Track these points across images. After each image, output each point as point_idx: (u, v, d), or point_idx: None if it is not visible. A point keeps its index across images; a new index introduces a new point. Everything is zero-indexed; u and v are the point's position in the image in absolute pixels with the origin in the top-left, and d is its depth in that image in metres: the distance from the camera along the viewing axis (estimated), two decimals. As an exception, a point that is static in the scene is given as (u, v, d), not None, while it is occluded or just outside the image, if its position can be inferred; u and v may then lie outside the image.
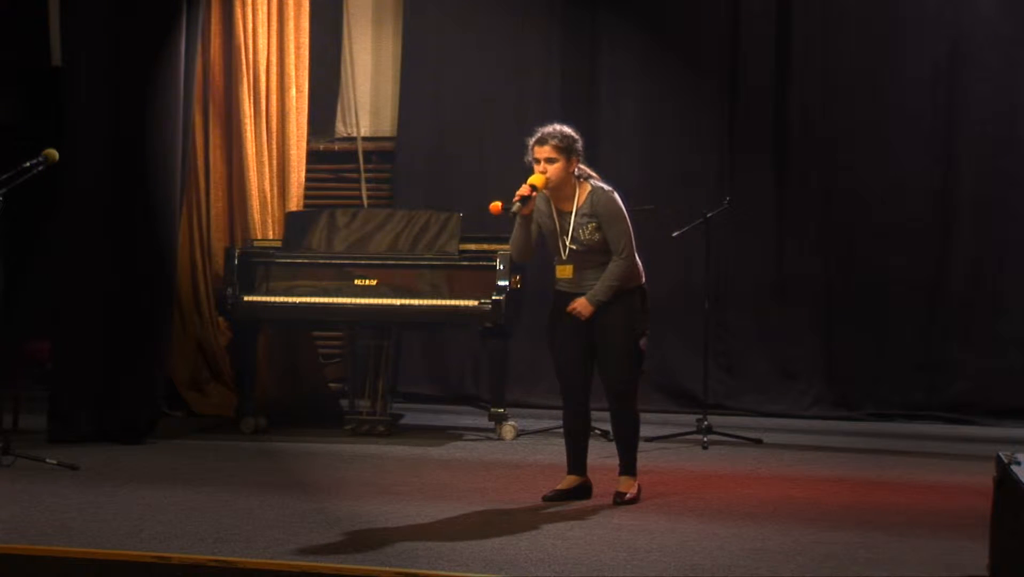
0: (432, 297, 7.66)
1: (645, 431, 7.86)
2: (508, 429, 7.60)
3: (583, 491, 5.90)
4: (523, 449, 7.14)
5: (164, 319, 7.65)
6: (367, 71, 9.55)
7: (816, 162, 8.91)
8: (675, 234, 7.71)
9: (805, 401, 8.83)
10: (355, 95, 9.49)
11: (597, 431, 7.78)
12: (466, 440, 7.62)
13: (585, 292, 5.76)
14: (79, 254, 7.35)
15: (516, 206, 5.66)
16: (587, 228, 5.73)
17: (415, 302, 7.63)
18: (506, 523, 5.41)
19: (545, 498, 5.82)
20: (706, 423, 7.59)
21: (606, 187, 5.80)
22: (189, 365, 8.48)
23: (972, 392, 8.62)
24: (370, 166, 9.52)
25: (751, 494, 6.14)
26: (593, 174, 5.87)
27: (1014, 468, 4.32)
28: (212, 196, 8.51)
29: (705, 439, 7.51)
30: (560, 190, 5.77)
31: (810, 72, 8.90)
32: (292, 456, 7.09)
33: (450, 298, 7.63)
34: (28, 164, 6.41)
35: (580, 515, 5.58)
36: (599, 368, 5.85)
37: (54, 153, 6.53)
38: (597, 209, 5.73)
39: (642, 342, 5.83)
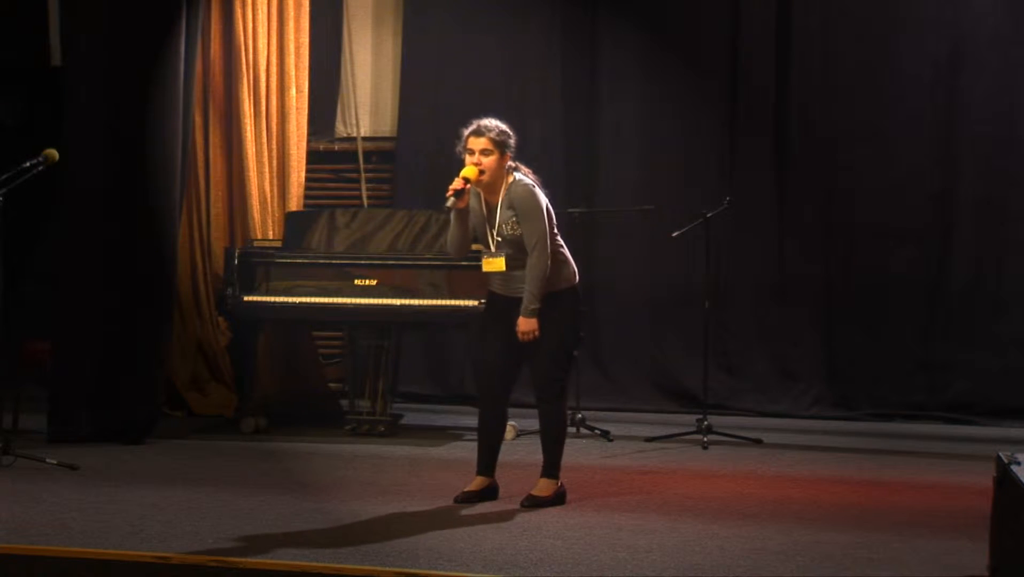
0: (432, 297, 7.66)
1: (645, 431, 7.93)
2: (508, 429, 7.59)
3: (491, 492, 5.88)
4: (523, 449, 7.14)
5: (164, 319, 7.64)
6: (367, 71, 9.55)
7: (816, 162, 8.91)
8: (675, 234, 7.71)
9: (805, 401, 8.83)
10: (355, 95, 9.49)
11: (597, 431, 7.81)
12: (466, 440, 7.61)
13: (514, 294, 5.73)
14: (79, 254, 7.35)
15: (451, 200, 5.60)
16: (509, 223, 5.70)
17: (415, 302, 7.64)
18: (506, 523, 5.41)
19: (456, 500, 5.81)
20: (706, 423, 7.59)
21: (527, 180, 5.75)
22: (189, 365, 8.48)
23: (972, 392, 8.62)
24: (370, 166, 9.52)
25: (751, 494, 6.14)
26: (521, 167, 5.83)
27: (1014, 468, 4.32)
28: (212, 196, 8.50)
29: (705, 439, 7.51)
30: (492, 184, 5.73)
31: (810, 72, 8.91)
32: (292, 456, 7.09)
33: (450, 298, 7.63)
34: (28, 164, 6.41)
35: (580, 515, 5.58)
36: (530, 367, 5.80)
37: (54, 153, 6.53)
38: (515, 202, 5.69)
39: (575, 352, 5.84)
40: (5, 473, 6.32)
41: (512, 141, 5.77)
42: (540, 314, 5.67)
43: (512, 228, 5.69)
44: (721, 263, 8.76)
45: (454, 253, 5.93)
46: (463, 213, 5.72)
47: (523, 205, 5.69)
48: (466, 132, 5.74)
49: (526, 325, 5.65)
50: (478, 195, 5.77)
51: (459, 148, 5.76)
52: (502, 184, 5.74)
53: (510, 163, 5.78)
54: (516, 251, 5.72)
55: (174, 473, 6.51)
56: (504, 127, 5.75)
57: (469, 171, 5.65)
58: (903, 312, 8.77)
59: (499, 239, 5.73)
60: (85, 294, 7.34)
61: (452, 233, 5.81)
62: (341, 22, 9.45)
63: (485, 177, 5.68)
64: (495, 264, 5.75)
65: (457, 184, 5.62)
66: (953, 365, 8.69)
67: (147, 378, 7.45)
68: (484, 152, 5.67)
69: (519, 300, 5.71)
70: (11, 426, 7.29)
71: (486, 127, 5.70)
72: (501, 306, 5.81)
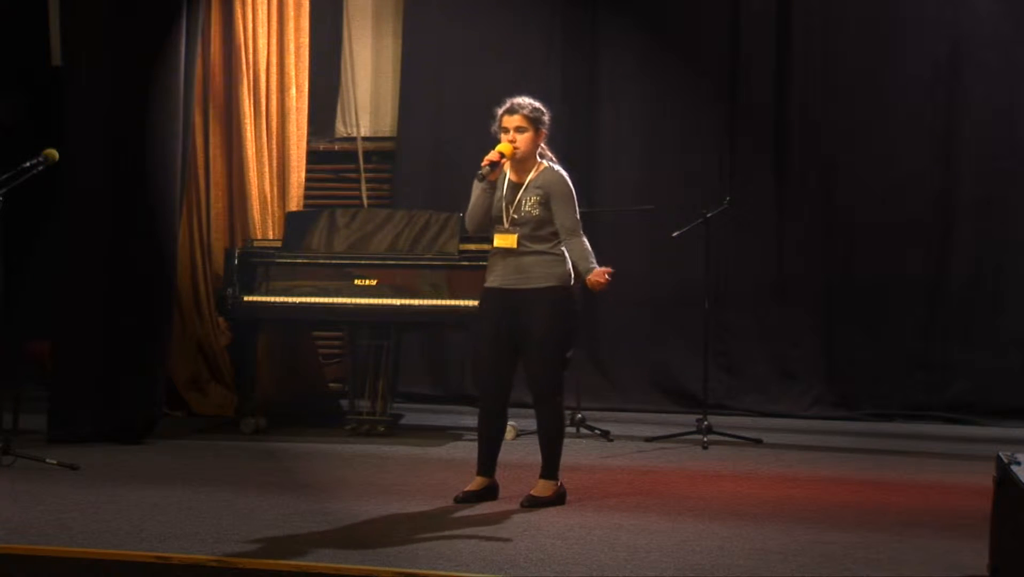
0: (432, 297, 7.66)
1: (645, 431, 7.94)
2: (508, 429, 7.59)
3: (491, 492, 5.89)
4: (523, 449, 7.14)
5: (164, 319, 7.64)
6: (367, 71, 9.56)
7: (816, 162, 8.92)
8: (675, 234, 7.71)
9: (805, 401, 8.84)
10: (355, 95, 9.49)
11: (597, 431, 7.81)
12: (466, 440, 7.62)
13: (515, 286, 5.74)
14: (79, 254, 7.35)
15: (485, 170, 5.70)
16: (531, 199, 5.75)
17: (415, 302, 7.64)
18: (505, 523, 5.41)
19: (456, 500, 5.81)
20: (706, 423, 7.59)
21: (562, 170, 5.85)
22: (189, 365, 8.48)
23: (972, 392, 8.62)
24: (370, 166, 9.52)
25: (751, 494, 6.14)
26: (553, 157, 5.90)
27: (1014, 468, 4.32)
28: (212, 196, 8.50)
29: (705, 439, 7.51)
30: (523, 162, 5.80)
31: (810, 72, 8.91)
32: (292, 456, 7.09)
33: (450, 298, 7.63)
34: (28, 164, 6.41)
35: (580, 515, 5.58)
36: (524, 366, 5.82)
37: (54, 153, 6.53)
38: (548, 186, 5.76)
39: (569, 353, 5.84)
40: (5, 473, 6.32)
41: (546, 118, 5.84)
42: (534, 311, 5.69)
43: (532, 206, 5.73)
44: (721, 263, 8.76)
45: (472, 226, 5.96)
46: (491, 186, 5.79)
47: (559, 190, 5.76)
48: (500, 111, 5.82)
49: (596, 276, 5.68)
50: (503, 172, 5.83)
51: (494, 128, 5.83)
52: (532, 165, 5.81)
53: (543, 147, 5.85)
54: (529, 232, 5.74)
55: (174, 473, 6.50)
56: (537, 104, 5.82)
57: (504, 147, 5.74)
58: (903, 312, 8.77)
59: (515, 216, 5.76)
60: (85, 294, 7.34)
61: (475, 206, 5.84)
62: (341, 22, 9.45)
63: (519, 153, 5.75)
64: (508, 240, 5.78)
65: (493, 156, 5.71)
66: (953, 365, 8.70)
67: (147, 378, 7.45)
68: (518, 129, 5.76)
69: (519, 293, 5.73)
70: (11, 426, 7.28)
71: (519, 104, 5.79)
72: (497, 303, 5.81)
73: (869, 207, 8.80)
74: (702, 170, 8.99)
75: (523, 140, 5.75)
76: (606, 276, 5.68)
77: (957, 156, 8.73)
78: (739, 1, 8.98)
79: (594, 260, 5.75)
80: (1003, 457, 4.46)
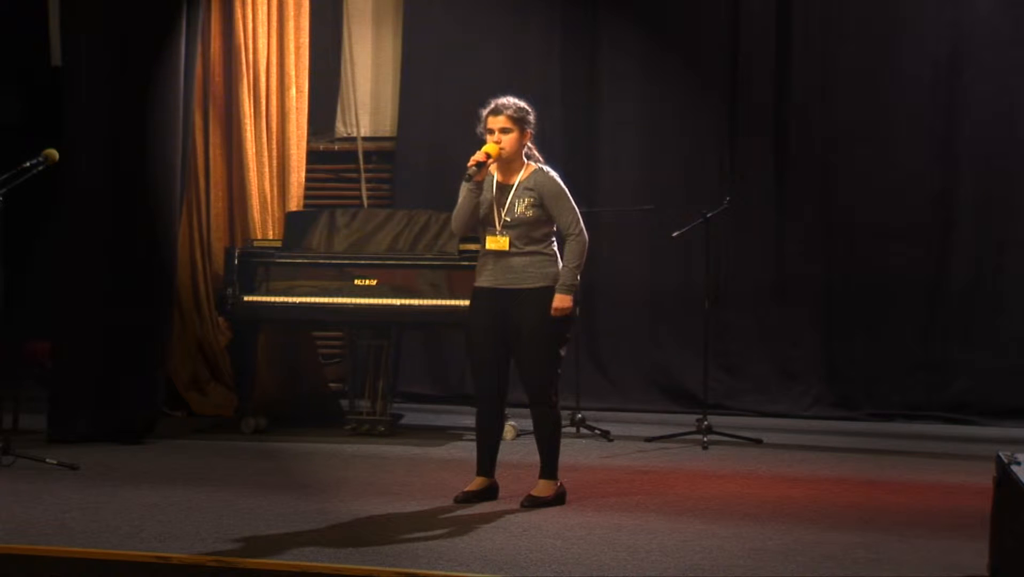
0: (432, 297, 7.66)
1: (645, 431, 7.93)
2: (508, 429, 7.59)
3: (491, 492, 5.90)
4: (523, 449, 7.14)
5: (164, 319, 7.65)
6: (367, 71, 9.55)
7: (816, 162, 8.91)
8: (675, 234, 7.71)
9: (805, 401, 8.83)
10: (355, 95, 9.49)
11: (597, 431, 7.81)
12: (466, 440, 7.61)
13: (506, 286, 5.74)
14: (79, 254, 7.35)
15: (472, 171, 5.68)
16: (523, 201, 5.74)
17: (415, 302, 7.64)
18: (506, 523, 5.41)
19: (456, 500, 5.81)
20: (706, 423, 7.59)
21: (551, 170, 5.84)
22: (189, 365, 8.48)
23: (972, 392, 8.62)
24: (370, 166, 9.52)
25: (751, 494, 6.14)
26: (540, 158, 5.90)
27: (1014, 468, 4.32)
28: (212, 196, 8.50)
29: (705, 439, 7.52)
30: (509, 163, 5.79)
31: (810, 72, 8.91)
32: (292, 456, 7.09)
33: (450, 298, 7.63)
34: (28, 164, 6.41)
35: (580, 515, 5.58)
36: (517, 366, 5.83)
37: (54, 153, 6.53)
38: (539, 187, 5.75)
39: (562, 350, 5.84)
40: (5, 473, 6.32)
41: (531, 118, 5.83)
42: (527, 311, 5.69)
43: (526, 208, 5.72)
44: (721, 263, 8.76)
45: (460, 228, 5.95)
46: (477, 187, 5.77)
47: (552, 190, 5.76)
48: (484, 112, 5.81)
49: (562, 302, 5.68)
50: (490, 174, 5.81)
51: (479, 129, 5.82)
52: (520, 166, 5.81)
53: (531, 146, 5.84)
54: (521, 234, 5.73)
55: (174, 473, 6.51)
56: (522, 104, 5.81)
57: (490, 148, 5.73)
58: (903, 312, 8.77)
59: (507, 219, 5.75)
60: (85, 294, 7.34)
61: (461, 207, 5.81)
62: (341, 22, 9.45)
63: (504, 154, 5.74)
64: (500, 243, 5.77)
65: (479, 156, 5.70)
66: (953, 365, 8.70)
67: (147, 378, 7.46)
68: (503, 130, 5.74)
69: (511, 293, 5.73)
70: (11, 426, 7.29)
71: (504, 105, 5.78)
72: (490, 303, 5.80)
73: (869, 207, 8.80)
74: (702, 170, 8.99)
75: (508, 141, 5.74)
76: (561, 313, 5.67)
77: (957, 156, 8.73)
78: (739, 1, 8.98)
79: (577, 275, 5.72)
80: (1003, 457, 4.46)
